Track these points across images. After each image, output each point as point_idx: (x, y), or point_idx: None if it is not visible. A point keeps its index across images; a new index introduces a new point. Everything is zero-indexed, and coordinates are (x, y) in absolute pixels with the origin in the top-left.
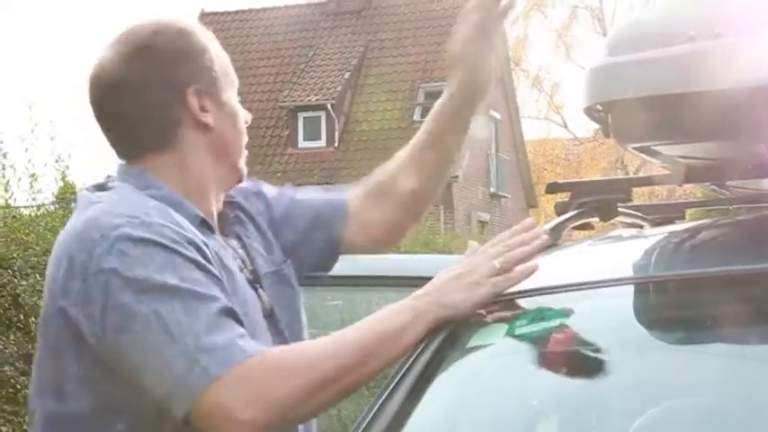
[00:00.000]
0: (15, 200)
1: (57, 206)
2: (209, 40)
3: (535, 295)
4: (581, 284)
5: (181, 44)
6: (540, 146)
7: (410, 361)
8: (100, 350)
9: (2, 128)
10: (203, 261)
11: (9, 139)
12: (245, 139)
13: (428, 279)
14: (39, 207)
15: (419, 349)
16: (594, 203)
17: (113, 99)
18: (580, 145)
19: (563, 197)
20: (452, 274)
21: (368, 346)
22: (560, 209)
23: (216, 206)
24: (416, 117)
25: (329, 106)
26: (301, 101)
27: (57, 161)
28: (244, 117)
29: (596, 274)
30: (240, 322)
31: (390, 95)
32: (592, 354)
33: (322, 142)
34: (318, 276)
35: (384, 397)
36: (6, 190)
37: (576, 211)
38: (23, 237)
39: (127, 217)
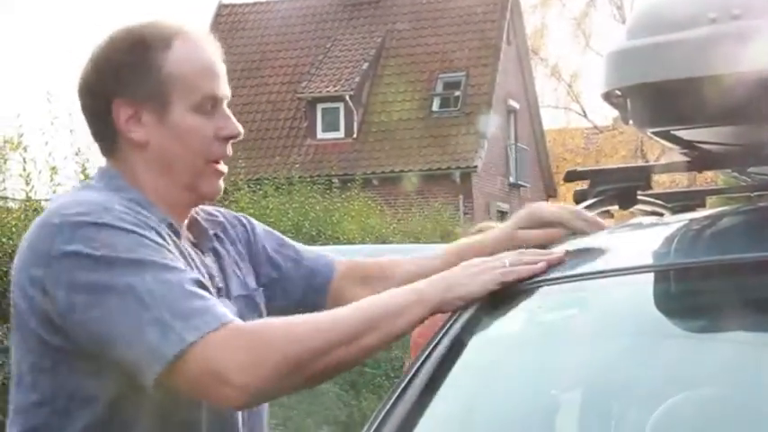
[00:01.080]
0: (36, 193)
1: None
2: (178, 51)
3: (554, 283)
4: (600, 272)
5: (125, 55)
6: (559, 135)
7: (429, 350)
8: (66, 333)
9: (22, 121)
10: (166, 244)
11: (29, 131)
12: (210, 157)
13: None
14: None
15: (438, 338)
16: (613, 191)
17: (80, 99)
18: (599, 134)
19: (582, 185)
20: (464, 265)
21: (362, 323)
22: (579, 197)
23: (182, 218)
24: (435, 107)
25: (347, 97)
26: (320, 92)
27: (76, 154)
28: (209, 133)
29: (615, 262)
30: (210, 290)
31: (408, 86)
32: (611, 342)
33: (340, 133)
34: None
35: (403, 386)
36: (27, 183)
37: (594, 200)
38: None
39: (89, 205)
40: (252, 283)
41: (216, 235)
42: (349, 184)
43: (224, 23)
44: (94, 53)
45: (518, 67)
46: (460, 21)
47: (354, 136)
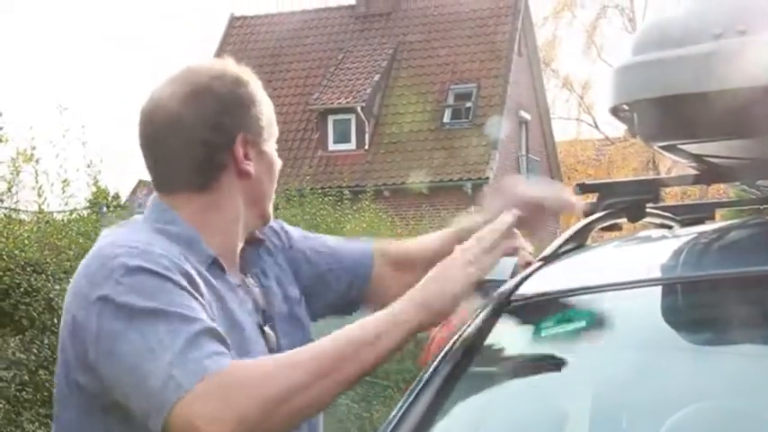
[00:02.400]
0: (48, 205)
1: (89, 211)
2: (259, 90)
3: (562, 297)
4: (608, 285)
5: (237, 92)
6: (570, 146)
7: (436, 363)
8: (94, 379)
9: (34, 133)
10: (192, 290)
11: (41, 144)
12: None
13: None
14: (71, 212)
15: (445, 352)
16: (622, 204)
17: (164, 135)
18: (611, 145)
19: (592, 198)
20: (430, 277)
21: (344, 350)
22: (589, 210)
23: (238, 248)
24: (446, 119)
25: (359, 109)
26: (331, 103)
27: (88, 166)
28: (278, 165)
29: (624, 276)
30: (225, 344)
31: (420, 97)
32: (620, 354)
33: (352, 145)
34: None
35: (411, 399)
36: (39, 195)
37: (604, 212)
38: (56, 242)
39: (127, 247)
40: (294, 292)
41: (259, 254)
42: (360, 196)
43: (236, 35)
44: (199, 90)
45: (529, 78)
46: (472, 32)
47: (366, 147)
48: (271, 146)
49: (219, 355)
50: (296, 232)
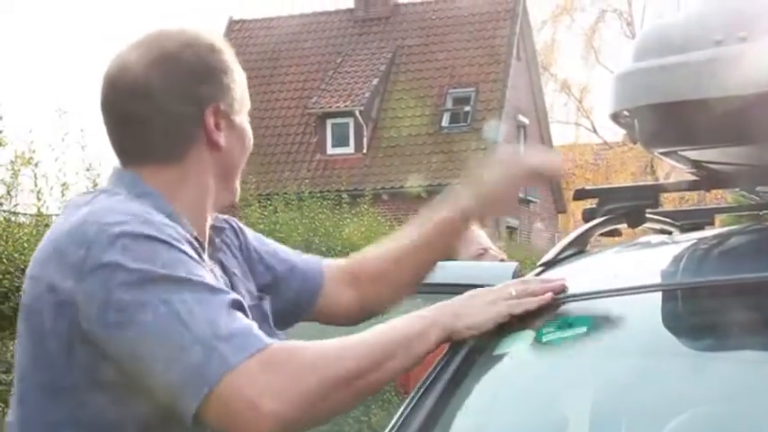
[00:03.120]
0: (48, 208)
1: None
2: (233, 60)
3: (562, 302)
4: (608, 291)
5: (210, 60)
6: (568, 151)
7: (438, 369)
8: (95, 352)
9: (33, 136)
10: (201, 262)
11: (40, 147)
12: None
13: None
14: None
15: (447, 357)
16: (622, 210)
17: (128, 102)
18: (609, 150)
19: (591, 203)
20: (470, 294)
21: (387, 347)
22: (588, 215)
23: (207, 225)
24: (444, 123)
25: (357, 113)
26: (330, 107)
27: (87, 170)
28: (250, 137)
29: (624, 281)
30: (247, 312)
31: (418, 101)
32: (620, 360)
33: (350, 148)
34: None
35: (413, 404)
36: (38, 198)
37: (603, 218)
38: None
39: (128, 215)
40: (253, 289)
41: (221, 242)
42: (359, 200)
43: (235, 39)
44: (168, 57)
45: (528, 82)
46: (470, 36)
47: (364, 151)
48: (243, 117)
49: (255, 328)
50: (251, 233)
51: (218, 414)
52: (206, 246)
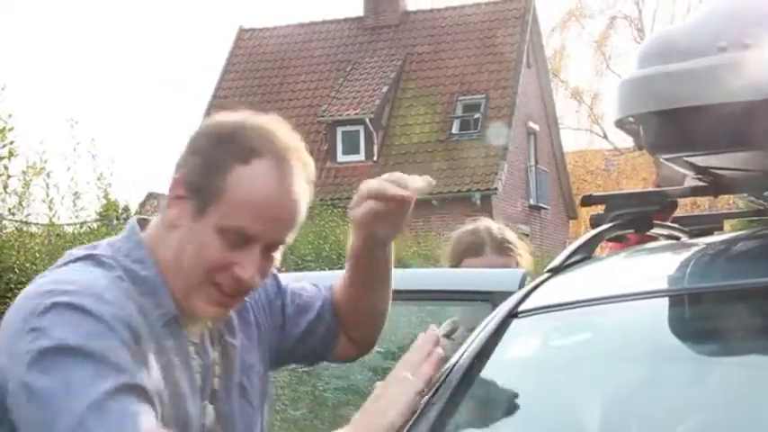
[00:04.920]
0: (59, 218)
1: (99, 224)
2: (252, 171)
3: (570, 308)
4: (616, 297)
5: (210, 144)
6: (579, 157)
7: (444, 375)
8: (14, 408)
9: (45, 147)
10: (134, 347)
11: (52, 157)
12: (210, 278)
13: (467, 293)
14: (81, 224)
15: (453, 363)
16: (629, 216)
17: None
18: (620, 156)
19: (598, 210)
20: (373, 399)
21: None
22: (595, 221)
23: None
24: (455, 130)
25: (368, 120)
26: (340, 115)
27: (99, 179)
28: (221, 260)
29: (631, 287)
30: (153, 408)
31: (428, 108)
32: (628, 366)
33: (361, 156)
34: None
35: (419, 411)
36: (50, 208)
37: (611, 224)
38: None
39: (79, 285)
40: (252, 359)
41: (230, 322)
42: None
43: (244, 47)
44: (204, 123)
45: (538, 88)
46: (480, 43)
47: (375, 159)
48: (210, 224)
49: (141, 416)
50: (290, 299)
51: None
52: (186, 319)
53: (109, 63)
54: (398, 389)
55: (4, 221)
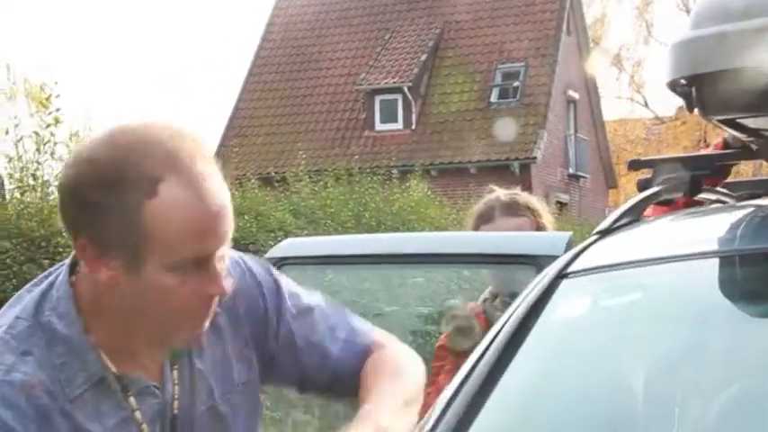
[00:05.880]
0: None
1: None
2: (164, 198)
3: (618, 269)
4: (664, 258)
5: (99, 193)
6: (620, 126)
7: (494, 335)
8: None
9: (89, 114)
10: None
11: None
12: (190, 317)
13: (510, 256)
14: None
15: (501, 324)
16: (678, 180)
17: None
18: (661, 124)
19: (645, 174)
20: None
21: None
22: (642, 185)
23: (146, 353)
24: (493, 98)
25: (406, 89)
26: (378, 84)
27: None
28: (189, 292)
29: (680, 249)
30: None
31: (467, 77)
32: (676, 327)
33: (399, 125)
34: (399, 255)
35: (468, 371)
36: None
37: (658, 188)
38: None
39: None
40: (237, 375)
41: (210, 323)
42: (408, 175)
43: (282, 16)
44: (70, 171)
45: (578, 57)
46: (519, 11)
47: (413, 127)
48: (160, 273)
49: None
50: (293, 309)
51: None
52: (129, 357)
53: (149, 34)
54: None
55: (51, 187)
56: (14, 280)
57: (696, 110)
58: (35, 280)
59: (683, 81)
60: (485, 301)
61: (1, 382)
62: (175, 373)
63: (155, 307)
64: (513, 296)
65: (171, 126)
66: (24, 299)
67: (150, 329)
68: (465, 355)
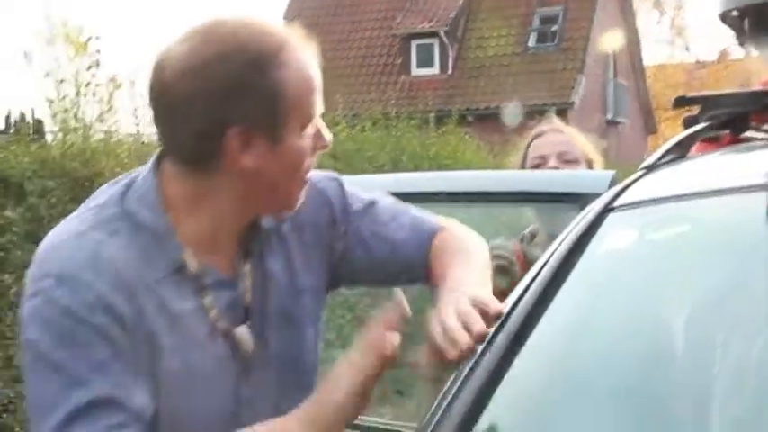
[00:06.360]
0: (145, 125)
1: None
2: (294, 68)
3: (666, 203)
4: (713, 191)
5: (245, 78)
6: (660, 71)
7: (539, 268)
8: None
9: (132, 55)
10: (112, 332)
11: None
12: (307, 173)
13: (554, 194)
14: None
15: (547, 257)
16: (725, 116)
17: (157, 102)
18: (703, 69)
19: (694, 110)
20: (325, 380)
21: None
22: (689, 122)
23: (231, 233)
24: (531, 43)
25: (442, 33)
26: (414, 28)
27: None
28: (310, 150)
29: (729, 182)
30: (122, 410)
31: (504, 21)
32: (722, 261)
33: (435, 69)
34: (436, 194)
35: (513, 303)
36: (136, 116)
37: (704, 124)
38: None
39: (60, 267)
40: (304, 281)
41: (277, 230)
42: (445, 120)
43: None
44: (200, 67)
45: (618, 0)
46: None
47: (449, 72)
48: (297, 133)
49: (109, 429)
50: (358, 205)
51: None
52: (207, 250)
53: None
54: (344, 370)
55: (93, 128)
56: (59, 219)
57: (747, 43)
58: (113, 181)
59: (735, 12)
60: (522, 240)
61: (92, 253)
62: (248, 269)
63: (287, 174)
64: (554, 236)
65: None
66: (107, 192)
67: (276, 201)
68: (504, 294)
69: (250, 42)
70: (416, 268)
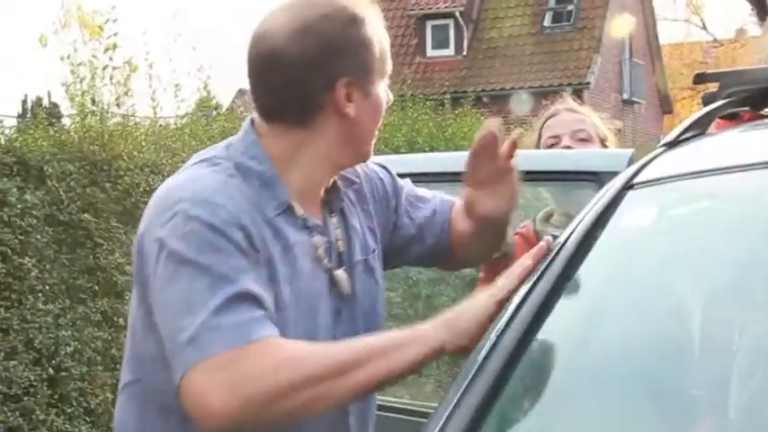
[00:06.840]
0: (162, 109)
1: (200, 114)
2: (376, 27)
3: (685, 179)
4: (734, 167)
5: (348, 33)
6: (675, 50)
7: (560, 244)
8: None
9: (147, 38)
10: (245, 246)
11: (154, 49)
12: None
13: (572, 173)
14: (183, 116)
15: (570, 231)
16: (744, 93)
17: (266, 66)
18: (719, 47)
19: (713, 87)
20: (458, 307)
21: (358, 354)
22: (708, 99)
23: (322, 187)
24: (547, 22)
25: (457, 13)
26: (429, 9)
27: (198, 70)
28: (387, 102)
29: (750, 158)
30: (264, 308)
31: (520, 1)
32: (742, 237)
33: (450, 50)
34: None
35: (537, 277)
36: (153, 99)
37: (724, 101)
38: (171, 144)
39: (192, 192)
40: (372, 243)
41: (347, 193)
42: (460, 101)
43: None
44: (309, 27)
45: None
46: None
47: (464, 53)
48: (379, 85)
49: (253, 323)
50: (400, 181)
51: (183, 395)
52: (306, 201)
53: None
54: (481, 296)
55: (111, 111)
56: (78, 202)
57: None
58: (203, 151)
59: None
60: (534, 220)
61: (219, 182)
62: (336, 221)
63: (372, 121)
64: (571, 215)
65: None
66: (208, 152)
67: (362, 148)
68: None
69: (344, 3)
70: (446, 234)
